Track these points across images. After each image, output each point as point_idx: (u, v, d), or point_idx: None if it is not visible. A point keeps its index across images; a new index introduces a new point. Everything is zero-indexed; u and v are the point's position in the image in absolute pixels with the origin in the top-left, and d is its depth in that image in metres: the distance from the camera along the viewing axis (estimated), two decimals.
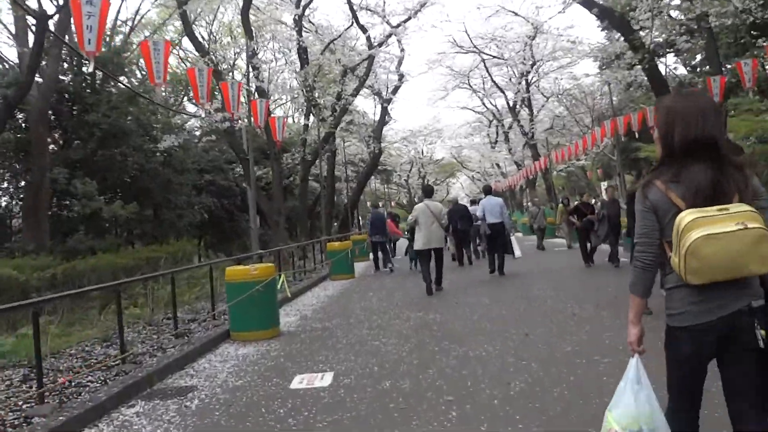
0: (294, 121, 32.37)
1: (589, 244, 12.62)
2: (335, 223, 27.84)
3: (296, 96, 22.00)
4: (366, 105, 46.76)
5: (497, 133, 45.76)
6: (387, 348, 6.49)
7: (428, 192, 11.48)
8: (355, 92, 22.52)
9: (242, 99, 13.21)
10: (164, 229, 21.83)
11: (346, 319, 8.69)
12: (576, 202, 14.31)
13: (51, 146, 20.01)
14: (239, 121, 16.45)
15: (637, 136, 18.78)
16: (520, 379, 4.91)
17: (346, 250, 14.85)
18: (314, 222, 30.16)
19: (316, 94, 21.80)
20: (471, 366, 5.46)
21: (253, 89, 17.87)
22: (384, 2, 24.44)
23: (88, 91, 19.02)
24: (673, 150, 2.15)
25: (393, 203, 59.97)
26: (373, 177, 53.11)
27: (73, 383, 5.60)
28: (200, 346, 7.10)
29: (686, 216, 2.02)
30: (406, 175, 56.84)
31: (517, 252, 12.97)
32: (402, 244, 20.34)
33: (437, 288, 10.61)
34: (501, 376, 5.08)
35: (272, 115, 14.38)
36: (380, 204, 49.99)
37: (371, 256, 16.97)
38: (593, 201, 14.99)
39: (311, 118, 21.62)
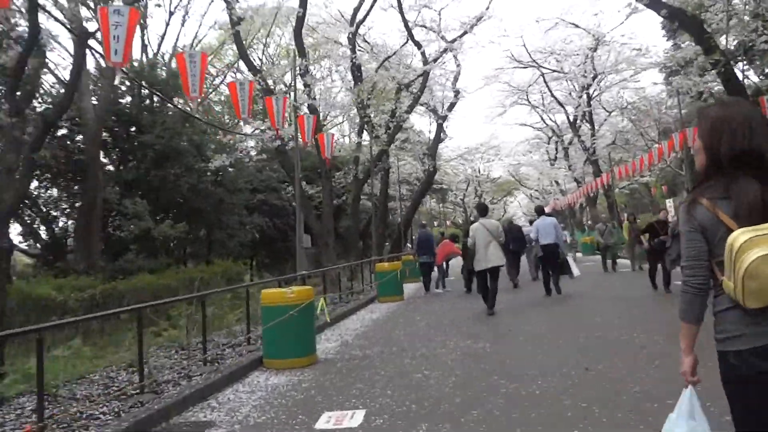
0: (349, 141, 32.19)
1: (661, 268, 11.28)
2: (387, 243, 27.29)
3: (350, 114, 21.65)
4: (421, 123, 46.51)
5: (557, 149, 44.47)
6: (428, 382, 5.83)
7: (482, 210, 11.07)
8: (410, 109, 22.02)
9: (290, 115, 12.92)
10: (215, 249, 21.83)
11: (388, 346, 8.07)
12: (652, 220, 12.98)
13: (108, 167, 20.41)
14: (290, 140, 16.24)
15: None
16: (579, 427, 4.17)
17: (395, 271, 14.24)
18: (367, 242, 29.71)
19: (370, 112, 21.48)
20: (522, 407, 4.74)
21: (305, 108, 17.67)
22: (440, 18, 24.04)
23: (145, 113, 19.28)
24: (719, 163, 2.04)
25: (449, 222, 59.06)
26: (428, 196, 52.48)
27: (83, 415, 5.19)
28: (229, 375, 6.61)
29: (740, 235, 1.87)
30: (462, 194, 55.82)
31: (576, 271, 12.51)
32: (456, 263, 19.63)
33: (489, 312, 10.17)
34: (557, 422, 4.34)
35: (321, 132, 13.98)
36: (435, 224, 48.82)
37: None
38: (671, 218, 13.40)
39: (364, 135, 21.26)
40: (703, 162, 2.11)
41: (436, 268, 15.78)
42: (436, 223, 53.15)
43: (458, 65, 26.23)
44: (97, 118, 14.70)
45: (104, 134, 19.06)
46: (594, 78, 34.44)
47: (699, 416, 2.07)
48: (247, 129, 22.82)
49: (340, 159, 24.56)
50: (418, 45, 22.73)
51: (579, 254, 27.71)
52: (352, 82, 20.87)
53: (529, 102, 41.70)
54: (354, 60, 19.82)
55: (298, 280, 10.98)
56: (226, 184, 19.89)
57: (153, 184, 17.53)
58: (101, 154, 19.77)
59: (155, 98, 19.92)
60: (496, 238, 10.12)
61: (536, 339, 7.59)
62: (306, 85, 16.68)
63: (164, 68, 21.99)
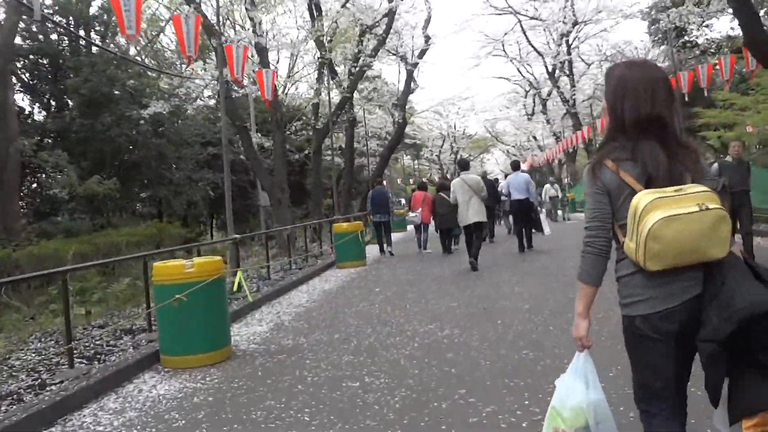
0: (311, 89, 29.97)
1: None
2: (353, 202, 25.52)
3: (308, 53, 19.47)
4: (391, 74, 44.07)
5: (534, 103, 42.70)
6: (367, 397, 4.08)
7: (464, 165, 11.05)
8: (374, 52, 19.88)
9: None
10: (167, 209, 19.78)
11: (330, 332, 6.30)
12: None
13: (39, 116, 18.10)
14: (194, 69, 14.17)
15: (686, 99, 15.90)
16: None
17: (355, 232, 12.44)
18: (347, 198, 27.74)
19: (332, 56, 19.41)
20: None
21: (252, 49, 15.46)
22: None
23: (76, 53, 16.90)
24: (623, 126, 1.99)
25: (425, 179, 57.54)
26: (402, 152, 50.48)
27: None
28: (99, 382, 4.80)
29: (644, 197, 1.86)
30: (438, 150, 54.08)
31: (547, 229, 12.41)
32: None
33: (473, 266, 9.85)
34: None
35: (259, 68, 11.86)
36: (410, 181, 47.24)
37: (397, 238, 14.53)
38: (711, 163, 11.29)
39: (325, 81, 19.13)
40: (609, 124, 2.06)
41: (421, 227, 14.11)
42: (411, 181, 51.39)
43: (429, 8, 24.18)
44: (1, 54, 12.40)
45: (27, 76, 16.76)
46: (574, 25, 32.47)
47: (593, 381, 2.08)
48: (202, 74, 20.55)
49: (302, 109, 22.49)
50: None
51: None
52: (311, 22, 18.65)
53: (506, 53, 39.59)
54: None
55: (230, 246, 9.17)
56: (170, 135, 17.68)
57: (80, 135, 15.32)
58: (26, 100, 17.49)
59: (90, 37, 17.55)
60: (477, 193, 9.97)
61: (519, 321, 5.88)
62: (251, 19, 14.46)
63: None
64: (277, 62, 43.82)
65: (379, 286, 9.31)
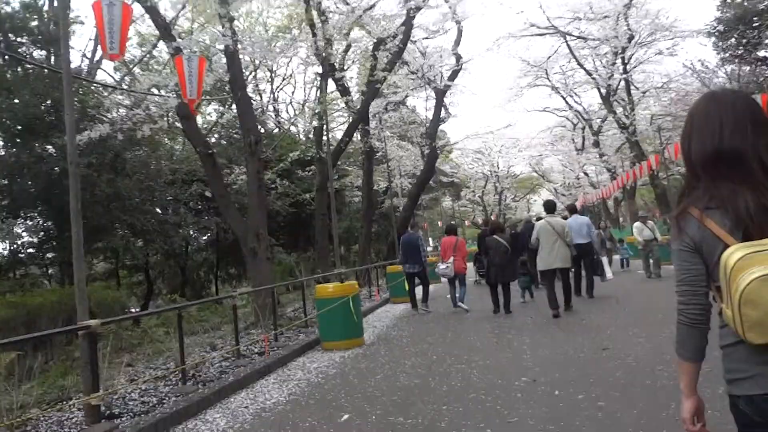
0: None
1: None
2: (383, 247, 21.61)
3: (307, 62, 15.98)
4: (421, 106, 40.40)
5: (584, 138, 38.19)
6: None
7: (549, 208, 10.55)
8: (389, 66, 16.26)
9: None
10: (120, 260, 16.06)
11: None
12: None
13: None
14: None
15: None
16: None
17: (345, 297, 8.41)
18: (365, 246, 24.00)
19: (343, 72, 15.95)
20: None
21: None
22: None
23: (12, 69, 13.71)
24: (692, 167, 1.63)
25: (467, 222, 53.42)
26: (441, 193, 46.42)
27: None
28: None
29: (734, 252, 1.45)
30: (480, 191, 49.99)
31: (609, 274, 11.77)
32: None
33: (566, 308, 9.57)
34: None
35: (178, 55, 7.98)
36: (452, 222, 43.24)
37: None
38: None
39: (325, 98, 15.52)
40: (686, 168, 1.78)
41: (456, 280, 11.54)
42: (453, 223, 47.21)
43: (459, 24, 20.65)
44: None
45: None
46: (630, 39, 28.20)
47: None
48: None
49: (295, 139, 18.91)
50: None
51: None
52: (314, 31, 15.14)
53: (549, 80, 35.34)
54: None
55: (81, 347, 5.25)
56: (134, 169, 14.07)
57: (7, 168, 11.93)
58: None
59: (38, 52, 14.46)
60: (562, 237, 9.55)
61: None
62: (222, 17, 10.93)
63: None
64: (311, 88, 40.81)
65: (353, 406, 5.20)
